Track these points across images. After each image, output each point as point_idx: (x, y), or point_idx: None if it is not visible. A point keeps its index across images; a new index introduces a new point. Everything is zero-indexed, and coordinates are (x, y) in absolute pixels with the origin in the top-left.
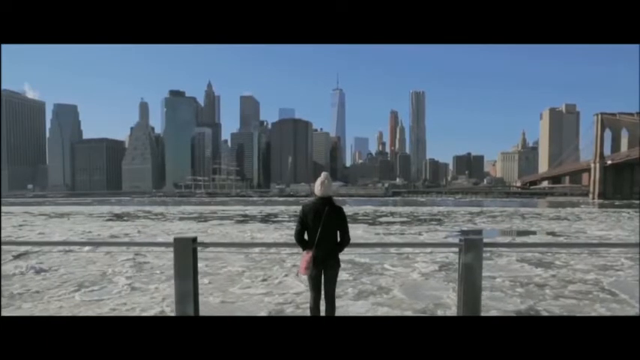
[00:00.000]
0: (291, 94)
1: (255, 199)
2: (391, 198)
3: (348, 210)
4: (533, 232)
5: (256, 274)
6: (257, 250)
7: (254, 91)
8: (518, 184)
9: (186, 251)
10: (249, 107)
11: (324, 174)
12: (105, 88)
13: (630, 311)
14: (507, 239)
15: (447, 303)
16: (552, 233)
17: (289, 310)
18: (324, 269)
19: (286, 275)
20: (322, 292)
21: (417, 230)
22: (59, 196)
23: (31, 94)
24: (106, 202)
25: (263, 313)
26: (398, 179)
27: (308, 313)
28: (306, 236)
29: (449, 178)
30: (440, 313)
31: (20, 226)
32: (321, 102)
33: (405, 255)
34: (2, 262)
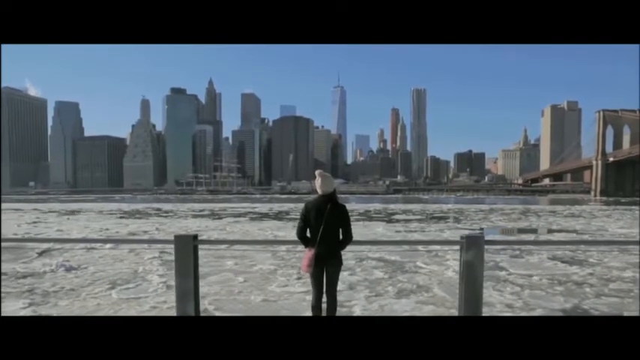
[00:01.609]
0: (292, 91)
1: (257, 196)
2: (392, 195)
3: (357, 207)
4: (558, 231)
5: (289, 272)
6: (284, 248)
7: (255, 88)
8: (520, 181)
9: (187, 249)
10: (250, 105)
11: (318, 172)
12: (106, 85)
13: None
14: (541, 237)
15: (491, 302)
16: (575, 231)
17: None
18: (325, 267)
19: None
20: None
21: (437, 228)
22: (61, 194)
23: (32, 92)
24: (110, 199)
25: (308, 313)
26: (399, 177)
27: (345, 312)
28: (308, 234)
29: (450, 176)
30: (486, 311)
31: (34, 223)
32: (322, 99)
33: (434, 253)
34: (27, 259)
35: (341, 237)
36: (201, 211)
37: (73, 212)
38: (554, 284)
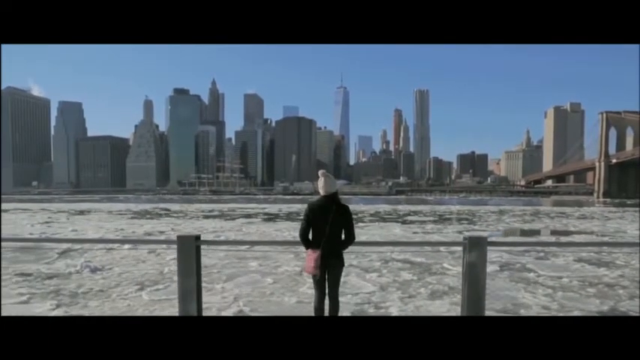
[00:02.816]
0: (295, 92)
1: (260, 197)
2: (395, 196)
3: (366, 209)
4: (577, 232)
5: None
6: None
7: (258, 89)
8: (523, 182)
9: (190, 249)
10: (253, 105)
11: (321, 172)
12: (109, 85)
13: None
14: (562, 239)
15: (526, 303)
16: (593, 233)
17: (371, 312)
18: (328, 269)
19: (347, 275)
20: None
21: (454, 230)
22: (64, 193)
23: (36, 91)
24: (114, 199)
25: (347, 313)
26: (402, 178)
27: (382, 313)
28: (309, 235)
29: (453, 177)
30: (523, 313)
31: (47, 223)
32: (324, 100)
33: (457, 254)
34: (49, 260)
35: (342, 237)
36: (210, 211)
37: (82, 212)
38: (585, 286)
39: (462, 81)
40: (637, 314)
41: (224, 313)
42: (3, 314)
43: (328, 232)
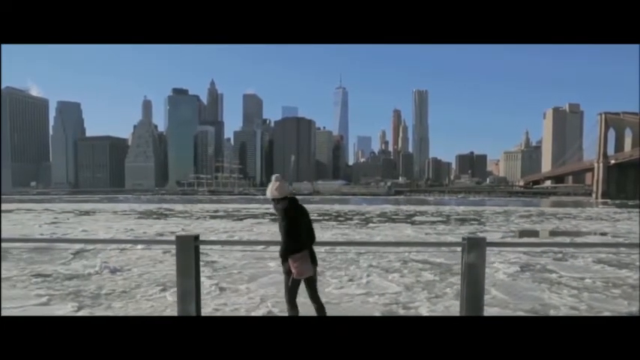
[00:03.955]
0: (294, 92)
1: (259, 197)
2: (394, 197)
3: (370, 209)
4: (589, 233)
5: (338, 274)
6: (322, 249)
7: (257, 89)
8: (521, 183)
9: (188, 249)
10: (252, 105)
11: (275, 176)
12: (108, 85)
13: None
14: (577, 240)
15: (554, 304)
16: (605, 234)
17: (401, 312)
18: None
19: (369, 275)
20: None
21: (466, 230)
22: (63, 194)
23: (35, 91)
24: (114, 199)
25: (377, 313)
26: (400, 178)
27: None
28: None
29: (452, 177)
30: (553, 313)
31: (54, 223)
32: (324, 100)
33: None
34: (64, 260)
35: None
36: (215, 212)
37: (87, 213)
38: (609, 287)
39: (461, 81)
40: (637, 314)
41: (253, 314)
42: (4, 314)
43: (304, 234)
